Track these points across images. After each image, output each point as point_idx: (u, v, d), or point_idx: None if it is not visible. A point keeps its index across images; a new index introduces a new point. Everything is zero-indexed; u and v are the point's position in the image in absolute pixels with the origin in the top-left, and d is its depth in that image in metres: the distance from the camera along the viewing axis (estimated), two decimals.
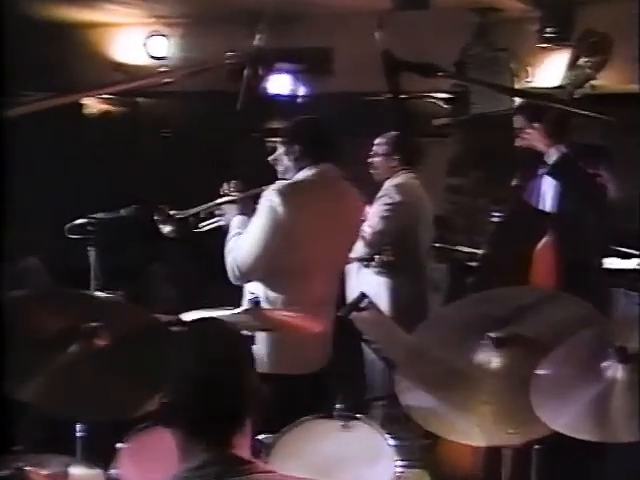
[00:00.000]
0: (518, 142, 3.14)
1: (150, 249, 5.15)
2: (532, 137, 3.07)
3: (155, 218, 3.05)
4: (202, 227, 3.14)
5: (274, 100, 5.34)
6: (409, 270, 3.76)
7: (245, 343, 1.74)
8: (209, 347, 1.59)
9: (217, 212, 3.05)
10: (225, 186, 3.04)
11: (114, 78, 5.47)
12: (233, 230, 2.88)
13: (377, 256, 3.66)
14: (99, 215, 3.10)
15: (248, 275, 2.75)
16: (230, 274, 2.78)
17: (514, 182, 3.12)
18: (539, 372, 1.78)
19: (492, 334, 1.90)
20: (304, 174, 2.83)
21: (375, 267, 3.67)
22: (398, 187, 3.75)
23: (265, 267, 2.72)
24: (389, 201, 3.70)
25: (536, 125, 3.05)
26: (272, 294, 2.75)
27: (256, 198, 2.95)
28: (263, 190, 2.93)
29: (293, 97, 5.42)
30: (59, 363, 2.01)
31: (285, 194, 2.71)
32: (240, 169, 5.79)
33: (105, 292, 3.01)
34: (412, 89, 2.47)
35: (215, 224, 3.10)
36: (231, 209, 2.96)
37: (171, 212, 3.08)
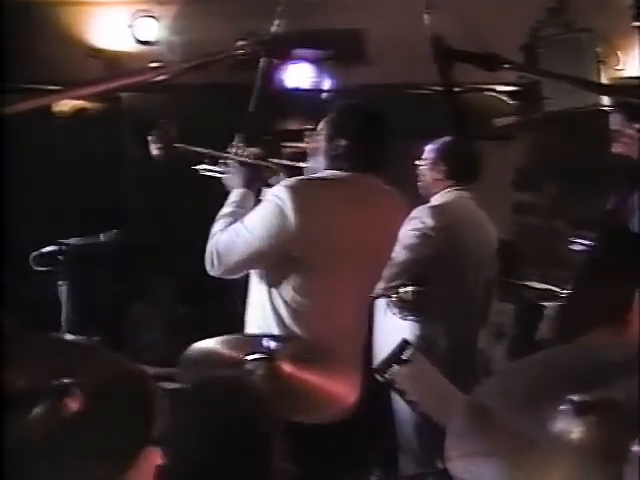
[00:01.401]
0: (616, 149, 3.07)
1: (134, 284, 5.20)
2: (635, 144, 3.03)
3: (150, 135, 3.14)
4: (199, 169, 3.22)
5: (292, 95, 5.43)
6: (448, 312, 3.73)
7: (262, 405, 1.75)
8: (220, 409, 1.60)
9: (221, 164, 3.14)
10: (239, 143, 3.10)
11: (91, 68, 5.56)
12: (228, 205, 2.95)
13: (395, 293, 3.64)
14: (72, 241, 3.15)
15: (228, 272, 2.79)
16: (207, 259, 2.81)
17: (609, 200, 3.08)
18: (635, 449, 1.76)
19: (574, 397, 1.88)
20: (332, 174, 2.86)
21: (399, 308, 3.66)
22: (435, 209, 3.71)
23: (255, 269, 2.76)
24: (418, 226, 3.66)
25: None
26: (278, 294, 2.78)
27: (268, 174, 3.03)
28: (277, 164, 2.99)
29: (316, 91, 5.50)
30: (21, 430, 2.03)
31: (298, 193, 2.72)
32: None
33: (78, 337, 3.04)
34: (468, 80, 2.49)
35: (213, 174, 3.19)
36: (236, 172, 3.02)
37: (173, 134, 3.15)
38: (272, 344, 2.39)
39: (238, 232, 2.78)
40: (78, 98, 5.23)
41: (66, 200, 5.22)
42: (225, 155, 3.13)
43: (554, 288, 3.86)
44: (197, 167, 3.25)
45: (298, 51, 5.29)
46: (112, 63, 5.63)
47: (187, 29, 5.56)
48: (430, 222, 3.64)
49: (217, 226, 2.87)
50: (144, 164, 6.21)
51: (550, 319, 3.57)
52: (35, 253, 3.08)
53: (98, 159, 5.68)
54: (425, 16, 1.80)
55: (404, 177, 3.93)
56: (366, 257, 2.84)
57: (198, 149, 3.17)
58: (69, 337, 3.01)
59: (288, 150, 6.33)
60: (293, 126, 5.86)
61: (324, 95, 5.56)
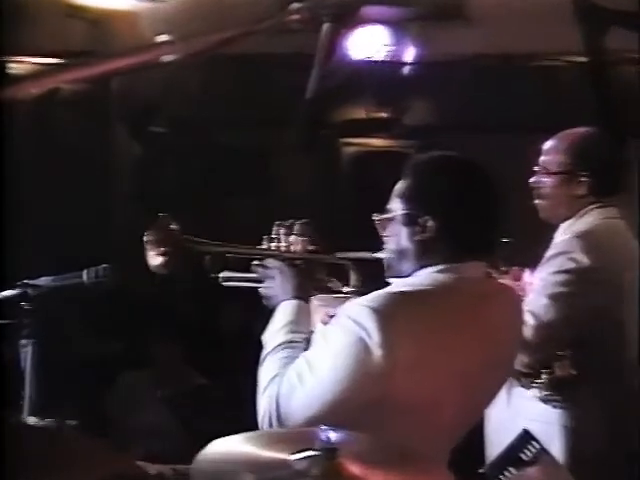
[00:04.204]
0: None
1: (126, 344, 5.21)
2: None
3: (146, 237, 3.06)
4: (223, 280, 3.17)
5: (360, 71, 5.46)
6: (607, 395, 3.68)
7: None
8: None
9: (256, 268, 3.11)
10: (280, 228, 3.05)
11: (70, 32, 5.65)
12: (279, 331, 2.91)
13: (545, 369, 3.61)
14: (41, 282, 3.18)
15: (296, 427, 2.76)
16: (263, 420, 2.78)
17: None
18: None
19: None
20: (430, 278, 2.80)
21: (542, 388, 3.63)
22: (588, 240, 3.66)
23: (327, 419, 2.73)
24: (569, 266, 3.57)
25: None
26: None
27: (332, 270, 3.02)
28: (343, 260, 2.97)
29: (394, 65, 5.55)
30: None
31: (388, 319, 2.66)
32: (296, 195, 5.85)
33: (46, 420, 3.06)
34: (623, 47, 2.45)
35: (244, 284, 3.16)
36: (282, 276, 3.03)
37: (176, 229, 3.05)
38: (332, 436, 2.40)
39: (301, 375, 2.74)
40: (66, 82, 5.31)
41: (32, 221, 5.27)
42: (261, 252, 3.11)
43: None
44: (218, 276, 3.20)
45: (370, 10, 5.25)
46: (98, 25, 5.72)
47: None
48: (585, 260, 3.56)
49: (269, 369, 2.82)
50: (141, 165, 6.32)
51: None
52: None
53: (76, 158, 5.78)
54: None
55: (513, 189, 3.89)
56: (478, 381, 2.84)
57: (220, 247, 3.13)
58: (33, 421, 3.03)
59: (351, 149, 6.34)
60: (359, 114, 5.97)
61: (404, 70, 5.60)
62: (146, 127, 6.09)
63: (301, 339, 2.84)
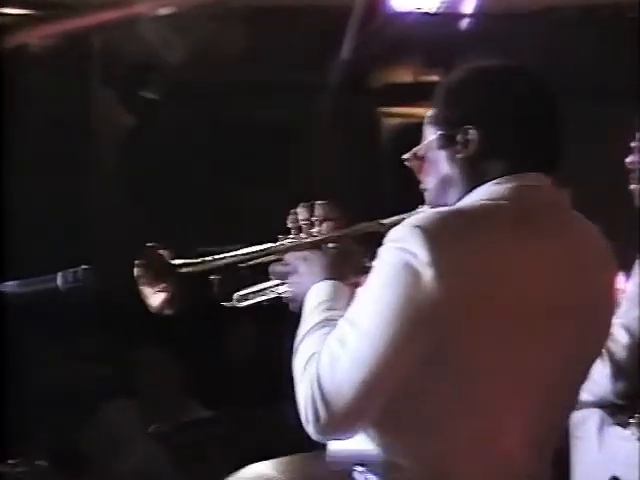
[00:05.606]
0: None
1: (111, 364, 5.24)
2: None
3: (136, 272, 3.08)
4: (238, 301, 3.18)
5: (406, 26, 5.48)
6: None
7: None
8: None
9: (274, 269, 3.13)
10: (299, 212, 3.05)
11: None
12: (312, 313, 2.94)
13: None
14: (4, 287, 3.21)
15: (349, 418, 2.74)
16: (306, 414, 2.78)
17: None
18: None
19: None
20: (483, 192, 2.81)
21: (636, 423, 3.64)
22: None
23: (389, 401, 2.74)
24: None
25: None
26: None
27: (368, 244, 2.99)
28: (385, 227, 2.98)
29: (449, 18, 5.59)
30: None
31: (438, 240, 2.70)
32: (325, 178, 5.87)
33: (11, 461, 3.10)
34: None
35: (266, 296, 3.19)
36: (307, 262, 3.07)
37: (167, 254, 3.05)
38: (370, 478, 2.43)
39: (343, 339, 2.73)
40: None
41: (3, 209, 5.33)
42: (279, 249, 3.13)
43: None
44: (232, 299, 3.24)
45: None
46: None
47: None
48: None
49: (305, 352, 2.86)
50: (129, 139, 6.36)
51: None
52: None
53: (49, 132, 5.87)
54: None
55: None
56: (557, 333, 2.84)
57: (228, 259, 3.16)
58: None
59: (393, 121, 6.36)
60: (405, 78, 6.04)
61: (461, 24, 5.65)
62: (137, 92, 6.13)
63: (340, 317, 2.84)
